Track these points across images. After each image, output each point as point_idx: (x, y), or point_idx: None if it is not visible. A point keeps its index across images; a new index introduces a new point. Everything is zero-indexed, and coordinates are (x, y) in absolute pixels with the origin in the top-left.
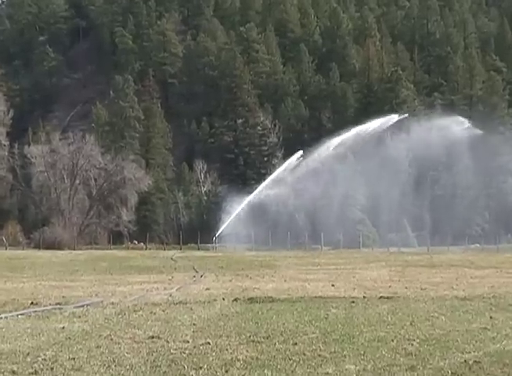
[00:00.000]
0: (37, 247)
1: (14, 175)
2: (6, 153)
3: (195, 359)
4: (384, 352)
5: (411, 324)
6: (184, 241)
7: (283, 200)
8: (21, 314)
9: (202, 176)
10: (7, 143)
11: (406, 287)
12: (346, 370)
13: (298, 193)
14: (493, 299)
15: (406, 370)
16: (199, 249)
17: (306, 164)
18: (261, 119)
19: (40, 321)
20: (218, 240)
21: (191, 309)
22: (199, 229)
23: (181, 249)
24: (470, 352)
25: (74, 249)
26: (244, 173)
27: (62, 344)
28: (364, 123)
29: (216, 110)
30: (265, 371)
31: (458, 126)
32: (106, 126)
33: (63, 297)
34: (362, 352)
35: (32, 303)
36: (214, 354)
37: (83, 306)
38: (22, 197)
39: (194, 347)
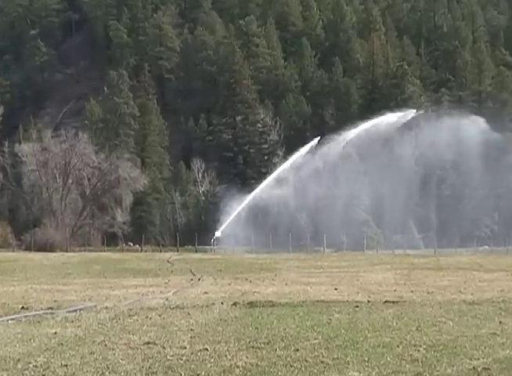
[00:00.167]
0: (29, 249)
1: (4, 174)
2: None
3: (192, 366)
4: (389, 359)
5: (417, 329)
6: (181, 243)
7: (284, 200)
8: (12, 319)
9: (200, 175)
10: None
11: (412, 291)
12: None
13: (300, 193)
14: (503, 303)
15: None
16: (196, 251)
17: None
18: (262, 116)
19: (31, 326)
20: (216, 242)
21: (188, 313)
22: (196, 231)
23: (178, 251)
24: (478, 359)
25: (67, 251)
26: (244, 172)
27: (54, 350)
28: (377, 116)
29: (214, 106)
30: None
31: (472, 125)
32: (100, 123)
33: (55, 301)
34: (367, 359)
35: (23, 307)
36: (212, 361)
37: (76, 311)
38: (12, 197)
39: (191, 353)
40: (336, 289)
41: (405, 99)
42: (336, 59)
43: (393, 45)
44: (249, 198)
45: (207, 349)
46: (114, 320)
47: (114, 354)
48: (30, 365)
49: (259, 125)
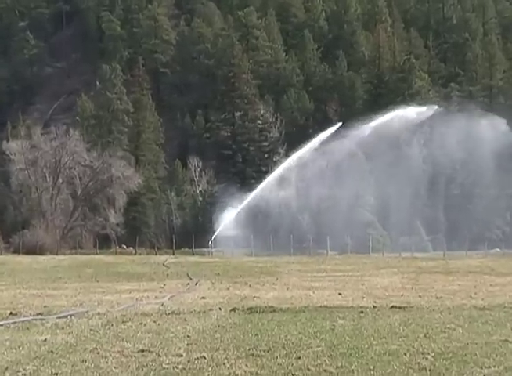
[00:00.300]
0: (17, 251)
1: None
2: None
3: (189, 375)
4: (395, 367)
5: (425, 336)
6: (177, 245)
7: (285, 200)
8: None
9: (197, 174)
10: None
11: (420, 296)
12: None
13: (302, 193)
14: None
15: None
16: (193, 254)
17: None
18: (262, 112)
19: (20, 333)
20: (214, 245)
21: (185, 319)
22: (193, 233)
23: (173, 254)
24: (489, 367)
25: (57, 254)
26: (243, 171)
27: (44, 358)
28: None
29: (212, 102)
30: None
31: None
32: (92, 120)
33: (45, 306)
34: (372, 367)
35: (11, 313)
36: (209, 369)
37: (66, 317)
38: (0, 197)
39: (188, 361)
40: (340, 294)
41: (412, 94)
42: (340, 52)
43: (400, 38)
44: (249, 198)
45: (204, 357)
46: (107, 327)
47: (107, 362)
48: (19, 373)
49: (259, 122)
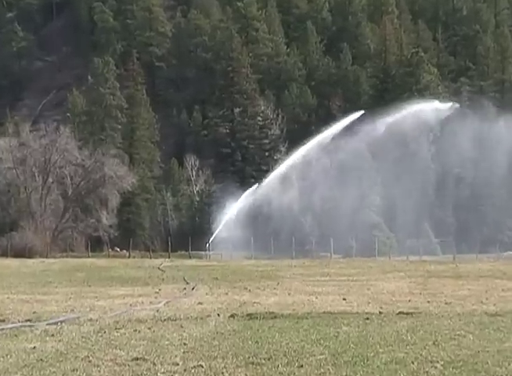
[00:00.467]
0: (5, 254)
1: None
2: None
3: None
4: None
5: (434, 344)
6: (173, 248)
7: (287, 200)
8: None
9: (194, 174)
10: None
11: (428, 302)
12: None
13: (304, 193)
14: None
15: None
16: (190, 257)
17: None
18: (262, 108)
19: (7, 340)
20: (211, 247)
21: (181, 326)
22: (190, 235)
23: (169, 257)
24: None
25: (47, 257)
26: (242, 170)
27: (33, 366)
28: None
29: (210, 97)
30: None
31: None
32: (84, 116)
33: (34, 312)
34: None
35: None
36: None
37: (57, 323)
38: None
39: (184, 370)
40: (344, 299)
41: (420, 89)
42: (344, 45)
43: (407, 30)
44: (248, 198)
45: (201, 366)
46: (99, 334)
47: (99, 371)
48: None
49: (259, 118)
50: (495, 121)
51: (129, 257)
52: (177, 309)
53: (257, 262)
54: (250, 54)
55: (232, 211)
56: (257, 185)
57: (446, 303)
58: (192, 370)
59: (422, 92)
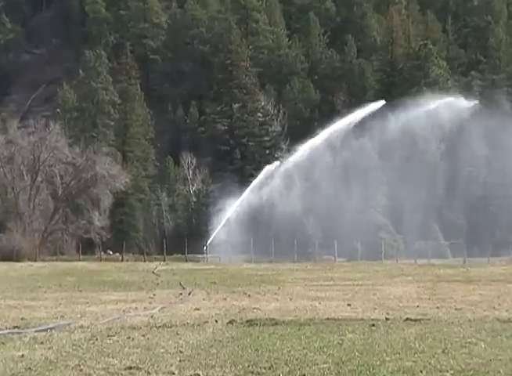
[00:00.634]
0: None
1: None
2: None
3: None
4: None
5: (443, 352)
6: (168, 251)
7: (288, 200)
8: None
9: (190, 173)
10: None
11: (438, 307)
12: None
13: (307, 193)
14: None
15: None
16: (186, 260)
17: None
18: (262, 103)
19: None
20: (209, 250)
21: (177, 333)
22: (186, 237)
23: (164, 261)
24: None
25: (36, 261)
26: (241, 169)
27: (21, 375)
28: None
29: (207, 92)
30: None
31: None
32: (75, 112)
33: (22, 319)
34: None
35: None
36: None
37: (46, 330)
38: None
39: None
40: (349, 305)
41: (429, 83)
42: (349, 37)
43: (415, 21)
44: (247, 199)
45: (198, 375)
46: (91, 341)
47: None
48: None
49: (259, 114)
50: (508, 116)
51: (122, 260)
52: (172, 315)
53: (257, 265)
54: (250, 46)
55: (230, 212)
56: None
57: (456, 309)
58: None
59: (431, 86)
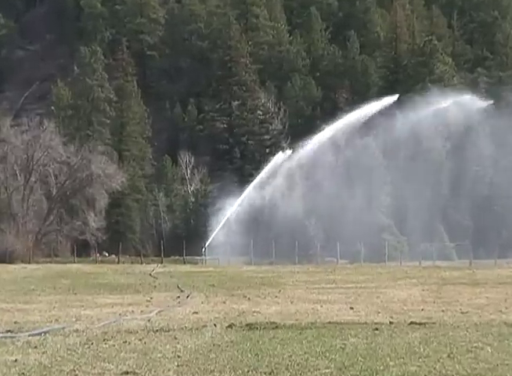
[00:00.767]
0: None
1: None
2: None
3: None
4: None
5: (449, 357)
6: (166, 253)
7: (289, 201)
8: None
9: (188, 172)
10: None
11: (443, 311)
12: None
13: (308, 193)
14: None
15: None
16: (184, 263)
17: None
18: (262, 101)
19: None
20: (208, 252)
21: (175, 337)
22: (184, 238)
23: (162, 263)
24: None
25: (29, 263)
26: (241, 168)
27: None
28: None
29: (206, 89)
30: None
31: None
32: (69, 110)
33: (16, 322)
34: None
35: None
36: None
37: (40, 334)
38: None
39: None
40: (351, 308)
41: (434, 80)
42: (351, 32)
43: (420, 16)
44: (247, 198)
45: None
46: (86, 346)
47: None
48: None
49: (259, 112)
50: None
51: (118, 262)
52: (170, 319)
53: (257, 267)
54: (250, 42)
55: (230, 213)
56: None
57: (462, 312)
58: None
59: (436, 83)
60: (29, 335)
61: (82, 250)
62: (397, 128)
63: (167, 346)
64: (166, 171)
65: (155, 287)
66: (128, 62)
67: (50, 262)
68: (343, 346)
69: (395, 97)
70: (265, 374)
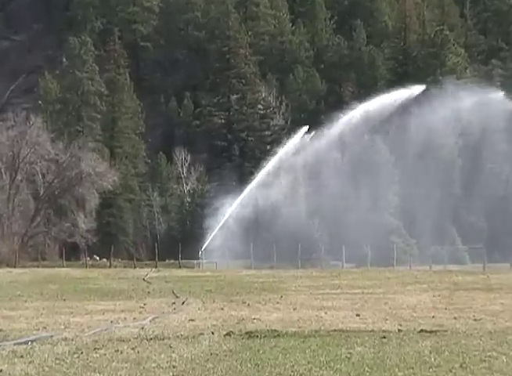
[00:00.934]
0: None
1: None
2: None
3: None
4: None
5: (461, 367)
6: (160, 256)
7: (291, 200)
8: None
9: (184, 170)
10: None
11: (455, 318)
12: None
13: (312, 192)
14: None
15: None
16: (180, 267)
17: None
18: (263, 95)
19: None
20: (205, 255)
21: (170, 346)
22: (180, 241)
23: (156, 267)
24: None
25: (15, 267)
26: (240, 166)
27: None
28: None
29: (203, 82)
30: None
31: None
32: (58, 104)
33: (1, 330)
34: None
35: None
36: None
37: (27, 343)
38: None
39: None
40: (358, 315)
41: (445, 72)
42: (357, 22)
43: (430, 5)
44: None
45: None
46: (75, 355)
47: None
48: None
49: (260, 107)
50: None
51: (110, 266)
52: (165, 327)
53: (257, 272)
54: (250, 32)
55: (228, 214)
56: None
57: (475, 320)
58: None
59: (447, 75)
60: (15, 344)
61: (71, 253)
62: (406, 123)
63: (162, 355)
64: (160, 170)
65: (149, 292)
66: (120, 53)
67: (37, 266)
68: (349, 356)
69: (422, 87)
70: None
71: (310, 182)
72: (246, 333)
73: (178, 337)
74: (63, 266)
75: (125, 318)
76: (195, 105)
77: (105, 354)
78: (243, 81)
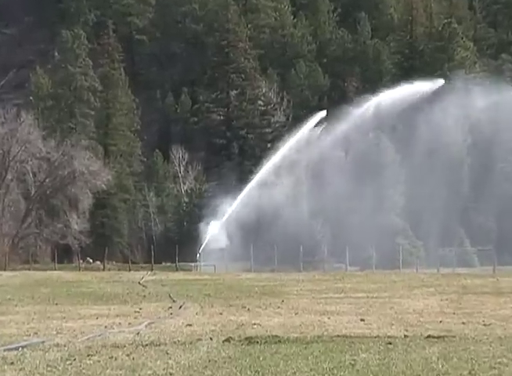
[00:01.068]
0: None
1: None
2: None
3: None
4: None
5: (470, 374)
6: (156, 259)
7: (293, 200)
8: None
9: (181, 169)
10: None
11: (464, 323)
12: None
13: (315, 192)
14: None
15: None
16: (177, 270)
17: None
18: (264, 90)
19: None
20: (202, 258)
21: (166, 352)
22: (177, 243)
23: (152, 270)
24: None
25: (5, 270)
26: (240, 164)
27: None
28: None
29: (201, 77)
30: None
31: None
32: (49, 100)
33: None
34: None
35: None
36: None
37: (17, 349)
38: None
39: None
40: (362, 320)
41: (453, 66)
42: (362, 14)
43: None
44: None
45: None
46: (68, 362)
47: None
48: None
49: (260, 103)
50: None
51: (104, 269)
52: (161, 332)
53: (257, 275)
54: (250, 25)
55: (227, 214)
56: None
57: (485, 325)
58: None
59: (455, 70)
60: (5, 350)
61: (64, 255)
62: (412, 120)
63: (158, 362)
64: (157, 168)
65: (144, 296)
66: (114, 47)
67: (28, 269)
68: (353, 362)
69: (441, 82)
70: None
71: (313, 181)
72: (246, 339)
73: (174, 343)
74: (55, 269)
75: (120, 323)
76: (192, 101)
77: (99, 361)
78: (243, 76)
